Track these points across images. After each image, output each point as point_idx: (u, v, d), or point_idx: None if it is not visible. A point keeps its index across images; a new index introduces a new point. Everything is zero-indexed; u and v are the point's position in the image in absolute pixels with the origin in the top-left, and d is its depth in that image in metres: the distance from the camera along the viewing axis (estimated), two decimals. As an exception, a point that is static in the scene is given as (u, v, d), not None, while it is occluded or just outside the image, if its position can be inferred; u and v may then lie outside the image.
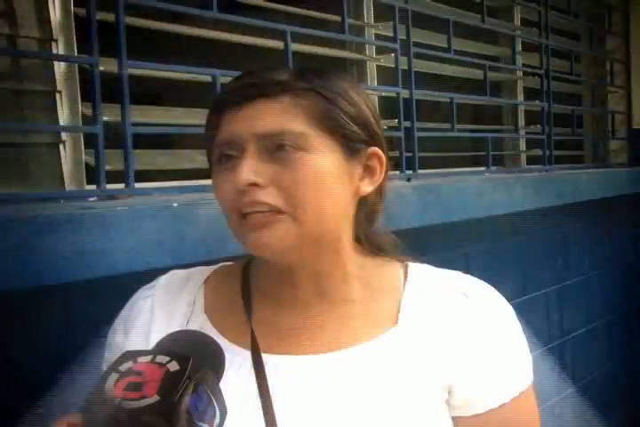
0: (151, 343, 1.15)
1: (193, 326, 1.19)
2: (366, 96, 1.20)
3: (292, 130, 1.10)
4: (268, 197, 1.08)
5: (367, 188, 1.17)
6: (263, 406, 1.11)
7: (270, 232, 1.09)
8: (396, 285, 1.20)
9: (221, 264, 1.29)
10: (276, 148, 1.09)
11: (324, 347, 1.15)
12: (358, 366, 1.13)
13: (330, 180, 1.11)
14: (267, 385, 1.12)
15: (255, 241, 1.10)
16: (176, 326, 1.19)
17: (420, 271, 1.22)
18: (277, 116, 1.10)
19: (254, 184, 1.08)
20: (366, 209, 1.21)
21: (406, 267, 1.22)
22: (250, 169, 1.08)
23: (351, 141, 1.14)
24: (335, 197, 1.13)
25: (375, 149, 1.17)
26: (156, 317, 1.22)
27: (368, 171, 1.17)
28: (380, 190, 1.21)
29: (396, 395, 1.11)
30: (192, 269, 1.28)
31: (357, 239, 1.22)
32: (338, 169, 1.12)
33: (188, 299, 1.23)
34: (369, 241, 1.24)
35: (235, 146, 1.11)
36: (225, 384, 0.96)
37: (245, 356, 1.15)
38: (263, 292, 1.21)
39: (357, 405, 1.11)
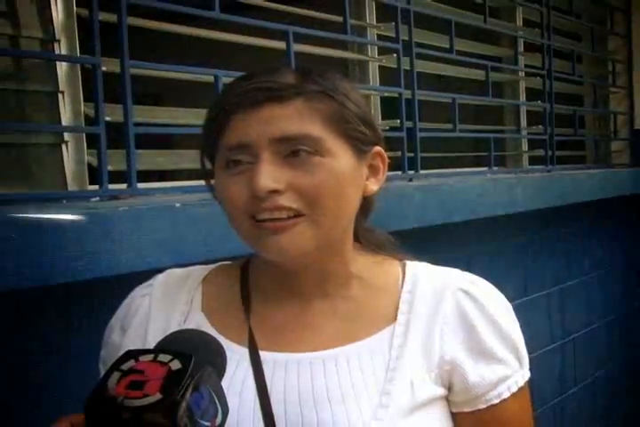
0: (148, 342, 1.16)
1: (190, 325, 1.18)
2: (361, 95, 1.21)
3: (311, 134, 1.09)
4: (289, 201, 1.08)
5: (373, 187, 1.18)
6: (261, 404, 1.11)
7: (290, 237, 1.08)
8: (395, 282, 1.20)
9: (220, 263, 1.29)
10: (291, 152, 1.09)
11: (322, 344, 1.15)
12: (357, 364, 1.13)
13: (345, 183, 1.11)
14: (264, 383, 1.12)
15: (274, 246, 1.09)
16: (173, 324, 1.19)
17: (418, 269, 1.22)
18: (294, 120, 1.09)
19: (274, 191, 1.07)
20: (364, 206, 1.21)
21: (404, 265, 1.23)
22: (268, 175, 1.07)
23: (361, 143, 1.14)
24: (349, 199, 1.14)
25: (379, 148, 1.18)
26: (153, 315, 1.21)
27: (372, 170, 1.18)
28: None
29: (394, 392, 1.11)
30: (190, 268, 1.28)
31: (356, 238, 1.22)
32: (351, 171, 1.13)
33: (185, 298, 1.23)
34: (367, 239, 1.24)
35: (246, 150, 1.09)
36: (223, 382, 0.96)
37: (243, 353, 1.15)
38: (262, 290, 1.21)
39: (356, 402, 1.11)
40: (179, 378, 0.87)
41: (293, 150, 1.09)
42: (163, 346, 0.97)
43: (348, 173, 1.12)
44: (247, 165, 1.09)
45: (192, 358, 0.89)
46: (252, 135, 1.09)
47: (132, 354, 0.91)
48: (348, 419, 1.09)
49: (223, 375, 0.97)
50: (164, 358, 0.89)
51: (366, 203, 1.20)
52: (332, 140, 1.11)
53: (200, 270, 1.27)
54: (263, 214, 1.08)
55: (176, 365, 0.88)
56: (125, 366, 0.89)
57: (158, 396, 0.85)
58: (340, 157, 1.11)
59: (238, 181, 1.10)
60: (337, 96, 1.12)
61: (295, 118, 1.09)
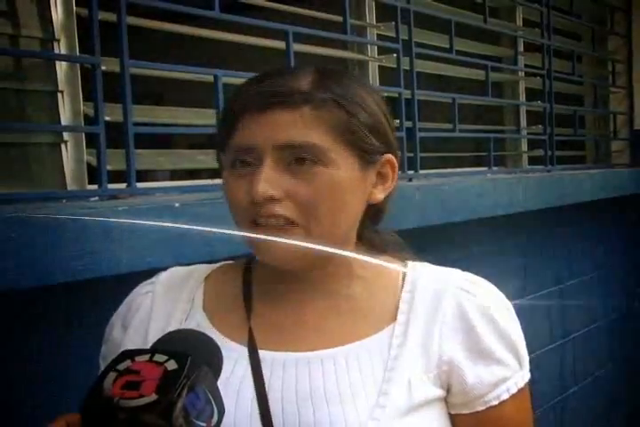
0: (149, 340, 1.16)
1: (191, 324, 1.19)
2: (381, 101, 1.20)
3: (314, 143, 1.09)
4: (284, 209, 1.09)
5: (380, 195, 1.18)
6: (259, 403, 1.11)
7: (283, 243, 1.09)
8: (395, 282, 1.20)
9: (223, 262, 1.29)
10: (294, 160, 1.09)
11: (321, 344, 1.15)
12: (356, 363, 1.13)
13: (345, 194, 1.12)
14: (263, 382, 1.12)
15: (267, 250, 1.11)
16: (174, 322, 1.19)
17: (419, 269, 1.22)
18: (299, 128, 1.09)
19: (270, 197, 1.08)
20: (372, 211, 1.21)
21: (405, 265, 1.23)
22: (267, 181, 1.08)
23: (368, 153, 1.15)
24: (349, 209, 1.14)
25: (389, 156, 1.18)
26: (154, 313, 1.22)
27: (381, 177, 1.18)
28: (388, 193, 1.21)
29: (392, 392, 1.11)
30: (193, 267, 1.28)
31: (359, 238, 1.22)
32: (354, 182, 1.13)
33: (187, 296, 1.23)
34: (371, 241, 1.24)
35: (252, 153, 1.11)
36: (221, 381, 0.96)
37: (242, 352, 1.15)
38: (264, 289, 1.21)
39: (353, 402, 1.11)
40: (175, 378, 0.87)
41: (297, 158, 1.09)
42: (159, 346, 0.97)
43: (350, 184, 1.12)
44: (251, 167, 1.10)
45: (188, 358, 0.89)
46: (257, 139, 1.10)
47: (128, 354, 0.91)
48: (345, 419, 1.09)
49: (219, 376, 0.97)
50: (159, 358, 0.89)
51: (374, 210, 1.21)
52: (337, 150, 1.11)
53: (203, 269, 1.27)
54: (260, 220, 1.10)
55: (172, 365, 0.88)
56: (121, 367, 0.89)
57: (154, 396, 0.85)
58: (344, 168, 1.11)
59: (241, 185, 1.11)
60: (347, 105, 1.12)
61: (301, 126, 1.09)
